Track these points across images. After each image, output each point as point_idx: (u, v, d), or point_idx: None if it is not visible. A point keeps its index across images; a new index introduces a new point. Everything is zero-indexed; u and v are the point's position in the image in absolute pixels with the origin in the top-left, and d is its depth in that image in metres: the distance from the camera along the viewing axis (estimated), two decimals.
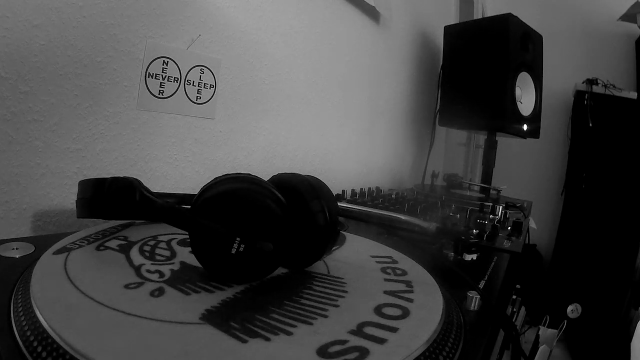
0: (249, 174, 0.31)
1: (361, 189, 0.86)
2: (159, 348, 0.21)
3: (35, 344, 0.21)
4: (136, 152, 0.57)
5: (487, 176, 1.27)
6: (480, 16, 1.81)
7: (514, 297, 0.81)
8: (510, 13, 1.15)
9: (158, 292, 0.28)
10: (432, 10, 1.54)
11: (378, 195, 0.89)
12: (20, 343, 0.21)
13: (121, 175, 0.34)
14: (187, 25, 0.60)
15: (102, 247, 0.35)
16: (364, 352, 0.22)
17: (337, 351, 0.22)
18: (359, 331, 0.25)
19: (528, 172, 2.13)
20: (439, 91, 1.39)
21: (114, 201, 0.33)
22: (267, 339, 0.23)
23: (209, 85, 0.64)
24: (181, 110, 0.61)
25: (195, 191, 0.31)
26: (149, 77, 0.56)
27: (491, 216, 0.81)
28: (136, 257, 0.34)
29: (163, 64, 0.57)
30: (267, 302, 0.28)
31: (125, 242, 0.37)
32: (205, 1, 0.62)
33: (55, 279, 0.28)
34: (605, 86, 1.78)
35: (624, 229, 1.74)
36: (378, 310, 0.28)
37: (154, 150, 0.59)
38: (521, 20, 1.19)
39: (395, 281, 0.34)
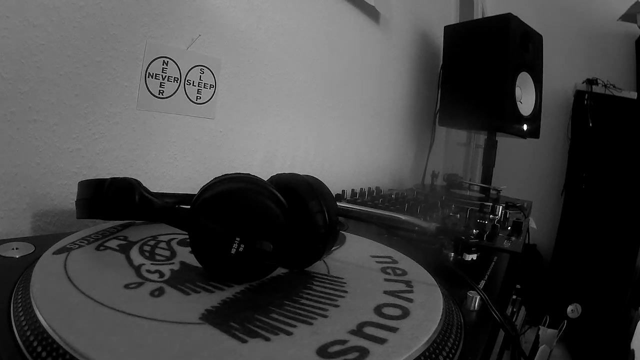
0: (249, 174, 0.31)
1: (361, 189, 0.86)
2: (159, 348, 0.21)
3: (35, 344, 0.21)
4: (136, 152, 0.57)
5: (487, 176, 1.27)
6: (480, 16, 1.81)
7: (514, 297, 0.81)
8: (510, 13, 1.15)
9: (158, 292, 0.28)
10: (432, 10, 1.54)
11: (378, 195, 0.89)
12: (20, 343, 0.21)
13: (121, 176, 0.34)
14: (187, 25, 0.60)
15: (102, 247, 0.35)
16: (364, 352, 0.22)
17: (337, 351, 0.22)
18: (359, 331, 0.25)
19: (528, 172, 2.13)
20: (439, 91, 1.39)
21: (113, 202, 0.33)
22: (267, 339, 0.23)
23: (209, 85, 0.64)
24: (181, 110, 0.61)
25: (195, 191, 0.31)
26: (149, 77, 0.56)
27: (491, 216, 0.81)
28: (136, 257, 0.34)
29: (163, 64, 0.57)
30: (267, 302, 0.28)
31: (125, 242, 0.37)
32: (205, 1, 0.62)
33: (55, 279, 0.28)
34: (605, 86, 1.78)
35: (624, 229, 1.74)
36: (378, 310, 0.28)
37: (154, 150, 0.59)
38: (521, 20, 1.19)
39: (395, 281, 0.34)
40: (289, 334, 0.24)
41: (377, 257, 0.41)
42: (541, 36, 1.29)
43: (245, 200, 0.29)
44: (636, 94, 1.77)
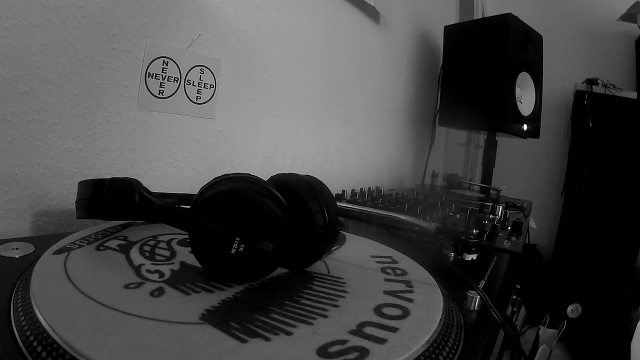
0: (249, 174, 0.31)
1: (361, 189, 0.86)
2: (159, 348, 0.21)
3: (35, 344, 0.21)
4: (136, 152, 0.57)
5: (487, 176, 1.27)
6: (480, 16, 1.81)
7: (514, 297, 0.81)
8: (510, 13, 1.15)
9: (158, 292, 0.28)
10: (432, 10, 1.54)
11: (378, 195, 0.89)
12: (20, 343, 0.21)
13: (121, 176, 0.34)
14: (187, 25, 0.60)
15: (102, 247, 0.35)
16: (364, 352, 0.22)
17: (337, 351, 0.22)
18: (359, 331, 0.25)
19: (528, 172, 2.13)
20: (439, 91, 1.39)
21: (113, 202, 0.33)
22: (267, 339, 0.23)
23: (209, 85, 0.64)
24: (181, 110, 0.61)
25: (195, 191, 0.31)
26: (149, 77, 0.56)
27: (491, 216, 0.81)
28: (136, 257, 0.34)
29: (163, 64, 0.57)
30: (267, 302, 0.28)
31: (125, 242, 0.37)
32: (205, 1, 0.62)
33: (55, 279, 0.28)
34: (605, 86, 1.78)
35: (624, 229, 1.74)
36: (378, 310, 0.28)
37: (154, 150, 0.59)
38: (521, 20, 1.19)
39: (395, 281, 0.34)
40: (289, 334, 0.24)
41: (377, 257, 0.41)
42: (541, 36, 1.29)
43: (245, 200, 0.29)
44: (636, 94, 1.77)
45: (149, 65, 0.56)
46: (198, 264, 0.31)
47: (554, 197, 2.05)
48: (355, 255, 0.41)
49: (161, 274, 0.31)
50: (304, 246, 0.33)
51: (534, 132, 1.27)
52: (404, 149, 1.44)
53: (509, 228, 0.69)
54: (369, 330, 0.25)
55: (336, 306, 0.28)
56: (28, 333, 0.22)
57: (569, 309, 1.72)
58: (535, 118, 1.26)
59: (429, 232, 0.51)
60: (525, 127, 1.21)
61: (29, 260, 0.32)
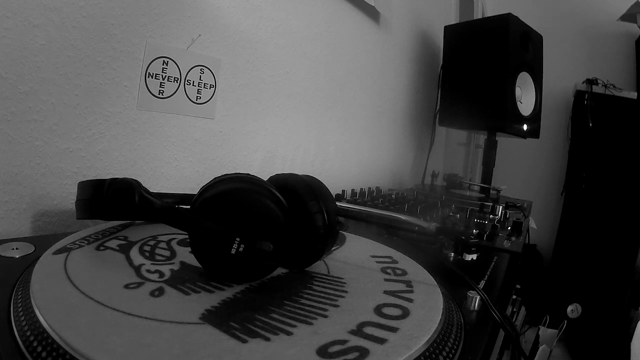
0: (249, 174, 0.31)
1: (361, 189, 0.86)
2: (159, 348, 0.21)
3: (35, 344, 0.21)
4: (136, 152, 0.57)
5: (487, 176, 1.27)
6: (480, 16, 1.81)
7: (514, 297, 0.81)
8: (510, 13, 1.15)
9: (158, 292, 0.28)
10: (432, 10, 1.54)
11: (378, 195, 0.89)
12: (20, 343, 0.21)
13: (121, 176, 0.34)
14: (187, 25, 0.60)
15: (102, 247, 0.35)
16: (364, 352, 0.22)
17: (337, 351, 0.22)
18: (359, 331, 0.25)
19: (528, 172, 2.13)
20: (439, 91, 1.39)
21: (113, 203, 0.33)
22: (267, 339, 0.23)
23: (209, 85, 0.64)
24: (181, 110, 0.61)
25: (195, 191, 0.31)
26: (149, 77, 0.56)
27: (491, 216, 0.81)
28: (136, 257, 0.34)
29: (163, 64, 0.57)
30: (267, 302, 0.28)
31: (125, 242, 0.37)
32: (205, 1, 0.62)
33: (55, 279, 0.28)
34: (605, 86, 1.78)
35: (624, 229, 1.74)
36: (378, 310, 0.28)
37: (154, 150, 0.59)
38: (521, 20, 1.19)
39: (395, 281, 0.34)
40: (289, 334, 0.24)
41: (377, 257, 0.41)
42: (541, 36, 1.29)
43: (245, 200, 0.29)
44: (636, 94, 1.77)
45: (149, 65, 0.56)
46: (198, 264, 0.31)
47: (554, 197, 2.05)
48: (355, 255, 0.41)
49: (161, 274, 0.31)
50: (304, 246, 0.33)
51: (534, 132, 1.27)
52: (404, 149, 1.44)
53: (509, 228, 0.69)
54: (369, 330, 0.25)
55: (336, 306, 0.28)
56: (28, 333, 0.22)
57: (569, 309, 1.72)
58: (535, 118, 1.26)
59: (429, 232, 0.51)
60: (525, 127, 1.21)
61: (29, 260, 0.32)
